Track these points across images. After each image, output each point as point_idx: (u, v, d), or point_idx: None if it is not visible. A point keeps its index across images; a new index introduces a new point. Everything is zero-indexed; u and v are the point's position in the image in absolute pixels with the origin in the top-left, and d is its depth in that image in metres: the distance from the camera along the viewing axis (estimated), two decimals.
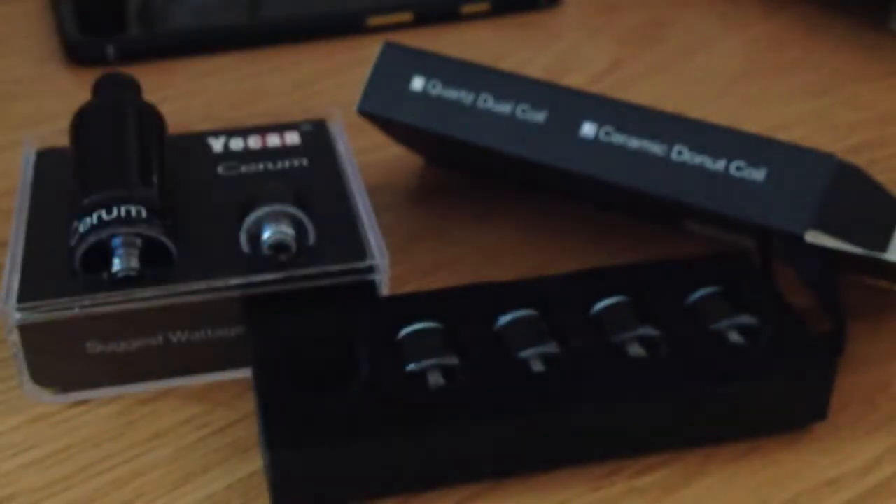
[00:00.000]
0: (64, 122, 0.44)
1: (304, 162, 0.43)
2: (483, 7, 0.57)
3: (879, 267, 0.39)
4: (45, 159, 0.43)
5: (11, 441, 0.36)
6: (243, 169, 0.43)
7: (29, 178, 0.42)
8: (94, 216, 0.37)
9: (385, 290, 0.38)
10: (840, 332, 0.38)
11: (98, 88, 0.45)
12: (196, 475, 0.35)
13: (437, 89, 0.41)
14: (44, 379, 0.37)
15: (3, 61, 0.54)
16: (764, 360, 0.37)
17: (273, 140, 0.44)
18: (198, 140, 0.44)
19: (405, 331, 0.37)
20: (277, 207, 0.38)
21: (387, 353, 0.36)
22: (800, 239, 0.36)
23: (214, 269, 0.37)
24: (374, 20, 0.56)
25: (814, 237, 0.36)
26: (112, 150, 0.40)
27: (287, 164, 0.43)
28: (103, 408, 0.37)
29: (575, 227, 0.45)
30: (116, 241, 0.37)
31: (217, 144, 0.44)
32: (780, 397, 0.37)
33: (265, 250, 0.37)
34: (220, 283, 0.37)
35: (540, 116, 0.39)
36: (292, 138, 0.45)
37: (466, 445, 0.34)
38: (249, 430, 0.36)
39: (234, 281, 0.37)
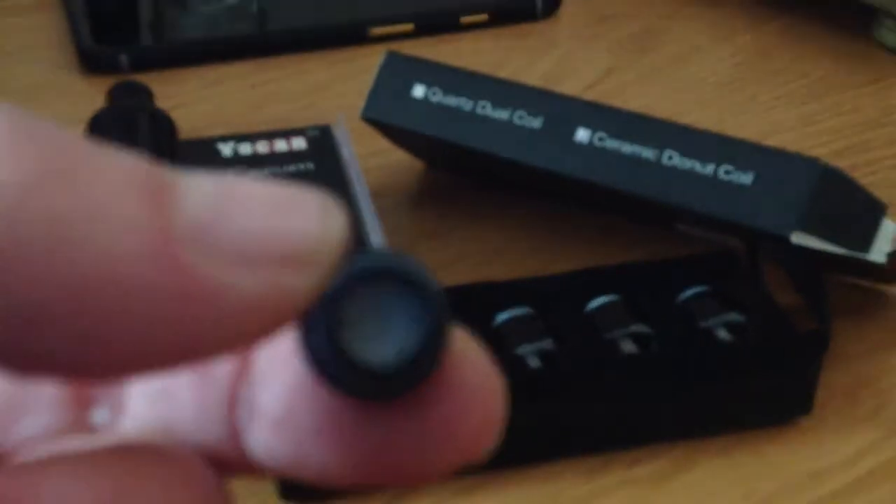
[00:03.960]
0: (79, 128, 0.44)
1: (310, 166, 0.44)
2: (482, 17, 0.57)
3: (863, 267, 0.40)
4: None
5: None
6: (251, 173, 0.43)
7: None
8: None
9: None
10: (825, 329, 0.38)
11: (112, 95, 0.45)
12: None
13: (438, 96, 0.41)
14: None
15: (20, 69, 0.53)
16: (751, 356, 0.37)
17: (280, 145, 0.45)
18: (208, 145, 0.45)
19: None
20: None
21: None
22: (786, 240, 0.36)
23: None
24: (377, 30, 0.55)
25: (799, 239, 0.36)
26: None
27: (293, 168, 0.44)
28: None
29: (570, 230, 0.45)
30: None
31: (226, 149, 0.45)
32: (767, 392, 0.37)
33: None
34: None
35: (536, 122, 0.39)
36: (299, 143, 0.45)
37: None
38: None
39: None
